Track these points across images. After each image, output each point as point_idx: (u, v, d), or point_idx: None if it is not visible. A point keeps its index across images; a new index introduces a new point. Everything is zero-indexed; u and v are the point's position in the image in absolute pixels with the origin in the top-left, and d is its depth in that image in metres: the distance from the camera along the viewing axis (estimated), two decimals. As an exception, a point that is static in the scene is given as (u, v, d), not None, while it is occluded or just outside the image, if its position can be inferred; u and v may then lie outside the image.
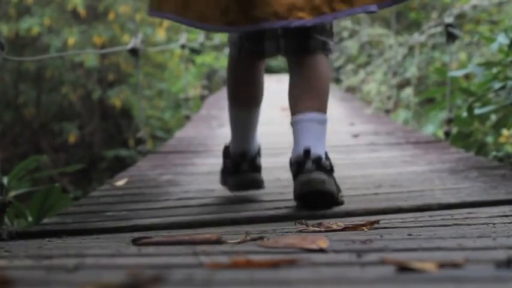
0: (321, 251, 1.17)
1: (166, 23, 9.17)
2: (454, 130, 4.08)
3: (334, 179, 2.11)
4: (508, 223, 1.61)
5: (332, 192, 2.04)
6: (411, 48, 6.80)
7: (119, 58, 8.90)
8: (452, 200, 2.14)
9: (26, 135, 9.34)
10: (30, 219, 2.51)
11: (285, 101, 2.25)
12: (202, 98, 9.25)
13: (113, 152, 8.95)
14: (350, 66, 9.11)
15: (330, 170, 2.09)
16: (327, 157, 2.11)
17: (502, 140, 4.20)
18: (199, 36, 8.71)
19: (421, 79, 7.07)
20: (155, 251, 1.27)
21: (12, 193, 2.66)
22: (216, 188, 2.62)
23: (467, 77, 5.40)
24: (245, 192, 2.40)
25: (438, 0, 8.13)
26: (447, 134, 3.94)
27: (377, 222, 1.66)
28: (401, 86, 7.22)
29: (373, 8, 2.02)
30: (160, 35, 9.10)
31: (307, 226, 1.64)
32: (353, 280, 0.90)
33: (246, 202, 2.30)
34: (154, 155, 4.04)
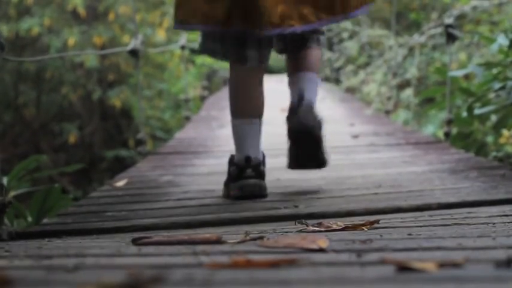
0: (321, 251, 1.17)
1: (166, 23, 9.17)
2: (454, 130, 4.08)
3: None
4: (508, 223, 1.60)
5: (318, 137, 2.34)
6: (411, 49, 6.80)
7: (119, 58, 8.90)
8: (452, 199, 2.14)
9: (26, 136, 9.35)
10: (29, 219, 2.51)
11: (284, 102, 2.41)
12: (202, 98, 9.26)
13: (113, 153, 8.95)
14: (350, 67, 9.11)
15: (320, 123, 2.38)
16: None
17: (502, 140, 4.20)
18: (199, 37, 8.71)
19: (421, 80, 7.07)
20: (155, 251, 1.27)
21: (12, 193, 2.66)
22: (216, 188, 2.62)
23: (467, 77, 5.40)
24: (248, 199, 2.38)
25: (438, 1, 8.13)
26: (447, 134, 3.94)
27: (377, 222, 1.66)
28: (401, 87, 7.22)
29: (353, 14, 2.35)
30: (160, 35, 9.10)
31: (307, 226, 1.64)
32: (353, 280, 0.90)
33: (246, 202, 2.30)
34: (154, 156, 4.04)
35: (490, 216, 1.75)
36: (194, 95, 9.15)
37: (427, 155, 3.41)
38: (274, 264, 1.00)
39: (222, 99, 9.07)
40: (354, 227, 1.61)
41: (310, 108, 2.34)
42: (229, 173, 2.46)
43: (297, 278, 0.92)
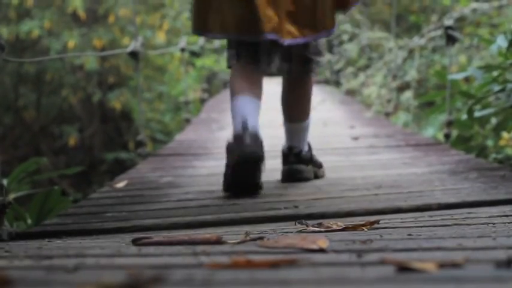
0: (321, 251, 1.17)
1: (166, 25, 9.17)
2: (454, 133, 4.08)
3: (313, 163, 2.88)
4: (508, 223, 1.60)
5: (307, 178, 2.78)
6: (411, 51, 6.80)
7: (119, 61, 8.91)
8: (452, 200, 2.14)
9: (26, 138, 9.35)
10: (29, 221, 2.51)
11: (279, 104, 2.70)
12: (202, 101, 9.26)
13: (113, 155, 8.95)
14: (350, 70, 9.12)
15: (309, 160, 2.85)
16: (309, 149, 2.89)
17: (502, 142, 4.20)
18: (199, 39, 8.72)
19: (421, 82, 7.07)
20: (155, 251, 1.27)
21: (12, 195, 2.66)
22: (216, 189, 2.62)
23: (467, 80, 5.40)
24: (245, 170, 2.42)
25: (438, 3, 8.14)
26: (447, 136, 3.94)
27: (377, 222, 1.66)
28: (401, 89, 7.22)
29: (333, 30, 2.63)
30: (160, 38, 9.10)
31: (307, 226, 1.64)
32: (353, 280, 0.90)
33: (246, 203, 2.30)
34: (154, 158, 4.04)
35: (490, 217, 1.75)
36: (194, 98, 9.15)
37: (427, 157, 3.41)
38: (274, 265, 1.00)
39: (222, 101, 9.07)
40: (354, 228, 1.61)
41: (299, 158, 2.80)
42: (227, 146, 2.48)
43: (297, 278, 0.92)
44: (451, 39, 3.94)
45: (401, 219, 1.83)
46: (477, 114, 3.34)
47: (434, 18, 7.67)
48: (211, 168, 3.36)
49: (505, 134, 4.02)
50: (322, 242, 1.20)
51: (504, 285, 0.85)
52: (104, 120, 9.65)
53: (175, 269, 1.00)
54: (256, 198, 2.39)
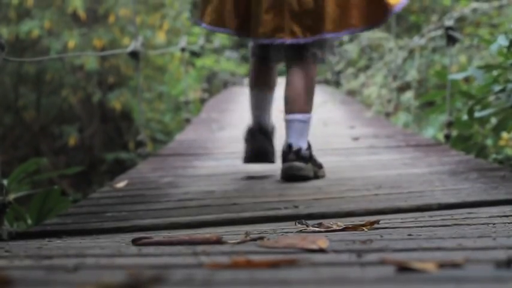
0: (321, 251, 1.17)
1: (166, 25, 9.17)
2: (454, 133, 4.08)
3: (313, 161, 2.89)
4: (508, 223, 1.60)
5: (306, 176, 2.79)
6: (411, 52, 6.80)
7: (119, 61, 8.90)
8: (453, 200, 2.14)
9: (26, 138, 9.35)
10: (29, 222, 2.51)
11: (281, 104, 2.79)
12: (203, 101, 9.26)
13: (113, 155, 8.95)
14: (350, 70, 9.12)
15: (308, 158, 2.85)
16: (308, 147, 2.88)
17: (501, 143, 4.20)
18: (200, 39, 8.72)
19: (421, 82, 7.07)
20: (155, 251, 1.27)
21: (12, 196, 2.66)
22: (216, 189, 2.62)
23: (467, 80, 5.40)
24: (256, 162, 2.96)
25: (438, 3, 8.14)
26: (447, 137, 3.94)
27: (377, 222, 1.66)
28: (401, 89, 7.22)
29: (329, 35, 2.85)
30: (161, 37, 9.10)
31: (307, 226, 1.64)
32: (353, 280, 0.90)
33: (246, 203, 2.30)
34: (154, 158, 4.04)
35: (490, 217, 1.75)
36: (194, 97, 9.15)
37: (427, 157, 3.41)
38: (274, 265, 1.00)
39: (222, 101, 9.08)
40: (354, 228, 1.61)
41: (298, 156, 2.83)
42: (245, 138, 3.01)
43: (297, 278, 0.92)
44: (451, 40, 3.94)
45: (402, 219, 1.83)
46: (477, 114, 3.34)
47: (434, 18, 7.66)
48: (212, 169, 3.36)
49: (504, 134, 4.02)
50: (322, 242, 1.20)
51: (504, 285, 0.85)
52: (104, 120, 9.64)
53: (175, 269, 1.00)
54: (256, 198, 2.39)
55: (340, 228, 1.60)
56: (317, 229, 1.60)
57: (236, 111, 7.52)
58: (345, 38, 8.98)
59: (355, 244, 1.25)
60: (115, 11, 8.93)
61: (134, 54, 3.97)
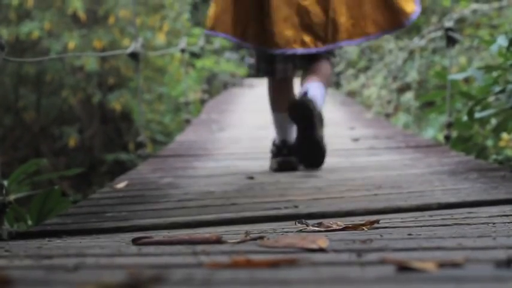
0: (321, 250, 1.17)
1: (166, 27, 9.18)
2: (454, 134, 4.08)
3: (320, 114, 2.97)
4: (508, 223, 1.60)
5: (319, 114, 2.90)
6: (411, 53, 6.80)
7: (119, 62, 8.90)
8: (452, 199, 2.14)
9: (26, 139, 9.34)
10: (29, 222, 2.51)
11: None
12: (203, 102, 9.26)
13: (113, 156, 8.95)
14: (350, 71, 9.13)
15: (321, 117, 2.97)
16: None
17: (502, 143, 4.20)
18: (199, 40, 8.72)
19: (421, 83, 7.07)
20: (155, 251, 1.27)
21: (12, 196, 2.65)
22: (216, 189, 2.62)
23: (467, 80, 5.41)
24: (284, 172, 3.08)
25: (438, 5, 8.14)
26: (447, 138, 3.94)
27: (377, 222, 1.66)
28: (401, 90, 7.23)
29: (343, 43, 3.06)
30: (160, 39, 9.10)
31: (307, 226, 1.64)
32: (353, 280, 0.90)
33: (246, 203, 2.30)
34: (154, 159, 4.04)
35: (490, 216, 1.75)
36: (194, 98, 9.16)
37: (427, 158, 3.41)
38: (274, 264, 1.00)
39: (222, 102, 9.08)
40: (354, 227, 1.61)
41: (312, 100, 2.87)
42: (272, 151, 3.26)
43: (297, 278, 0.92)
44: (451, 41, 3.94)
45: (402, 218, 1.83)
46: (477, 115, 3.34)
47: (434, 19, 7.67)
48: (212, 169, 3.36)
49: (504, 135, 4.02)
50: (322, 241, 1.20)
51: (504, 285, 0.85)
52: (104, 121, 9.64)
53: (175, 269, 1.00)
54: (256, 198, 2.39)
55: (340, 227, 1.60)
56: (317, 229, 1.60)
57: (236, 112, 7.53)
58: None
59: (355, 244, 1.25)
60: (115, 12, 8.93)
61: (134, 55, 3.96)
